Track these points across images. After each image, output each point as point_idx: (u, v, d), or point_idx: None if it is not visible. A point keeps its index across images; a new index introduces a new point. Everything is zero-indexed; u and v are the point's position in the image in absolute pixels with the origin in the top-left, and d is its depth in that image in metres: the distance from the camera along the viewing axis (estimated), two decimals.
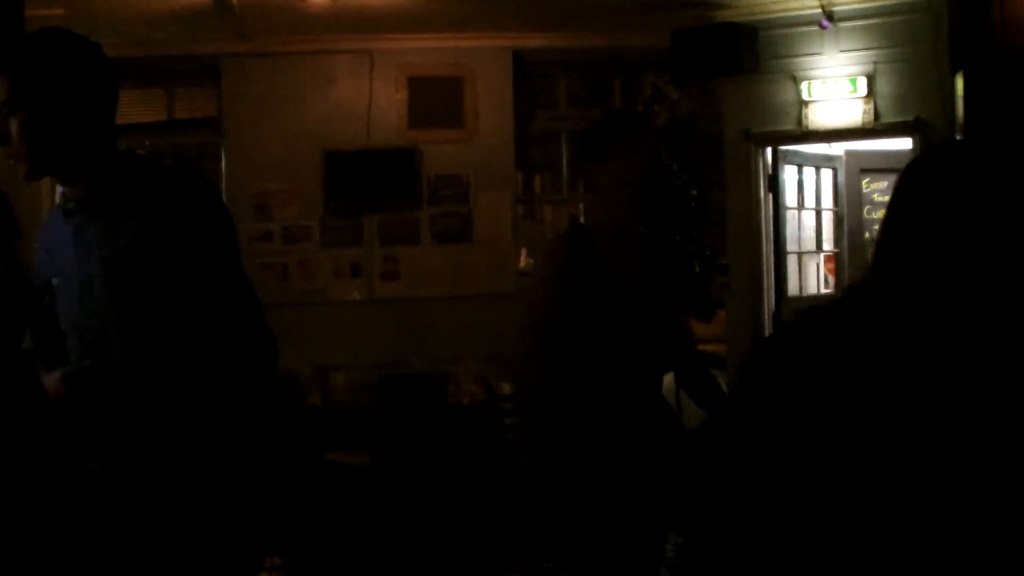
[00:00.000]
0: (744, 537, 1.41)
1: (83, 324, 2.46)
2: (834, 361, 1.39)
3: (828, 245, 8.33)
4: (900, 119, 7.13)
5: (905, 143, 7.51)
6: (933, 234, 1.39)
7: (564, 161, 8.52)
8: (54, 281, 2.51)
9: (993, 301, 1.35)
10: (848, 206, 8.39)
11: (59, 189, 2.62)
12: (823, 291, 8.26)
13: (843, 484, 1.35)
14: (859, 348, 1.39)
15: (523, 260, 9.19)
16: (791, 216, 7.85)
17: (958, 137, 6.19)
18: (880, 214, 8.39)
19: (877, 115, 7.24)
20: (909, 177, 1.48)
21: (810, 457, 1.37)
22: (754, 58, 7.40)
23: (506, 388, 6.95)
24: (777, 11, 7.37)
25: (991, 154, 1.42)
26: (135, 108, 8.20)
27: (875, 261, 1.48)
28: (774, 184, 7.67)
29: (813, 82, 7.37)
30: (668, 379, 3.53)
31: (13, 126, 2.39)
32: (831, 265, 8.46)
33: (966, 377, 1.33)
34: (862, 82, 7.22)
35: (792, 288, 7.84)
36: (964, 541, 1.30)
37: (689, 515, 1.49)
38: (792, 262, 7.88)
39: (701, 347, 4.00)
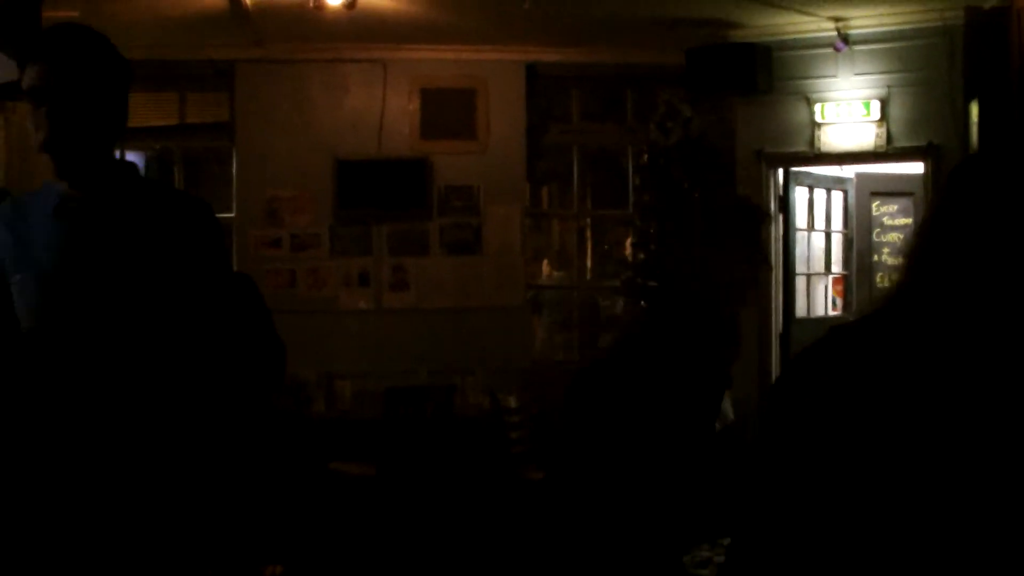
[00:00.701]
0: (786, 546, 1.39)
1: (49, 324, 2.40)
2: (880, 373, 1.36)
3: (837, 267, 8.31)
4: (913, 144, 7.12)
5: (917, 167, 7.50)
6: (985, 244, 1.36)
7: (575, 174, 8.51)
8: (17, 276, 2.43)
9: None
10: (858, 229, 8.38)
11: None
12: (831, 313, 8.24)
13: (882, 497, 1.32)
14: (907, 360, 1.35)
15: (546, 270, 9.20)
16: (801, 237, 7.84)
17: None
18: (889, 237, 8.40)
19: (890, 139, 7.23)
20: (957, 183, 1.43)
21: (846, 471, 1.35)
22: (768, 78, 7.40)
23: (512, 401, 6.94)
24: (792, 32, 7.36)
25: None
26: (147, 111, 8.20)
27: (912, 271, 1.43)
28: (785, 205, 7.66)
29: (826, 104, 7.37)
30: None
31: (41, 115, 2.36)
32: (839, 287, 8.44)
33: (1013, 394, 1.30)
34: (875, 106, 7.22)
35: (800, 309, 7.83)
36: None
37: (737, 523, 1.46)
38: (801, 283, 7.87)
39: None
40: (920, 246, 1.44)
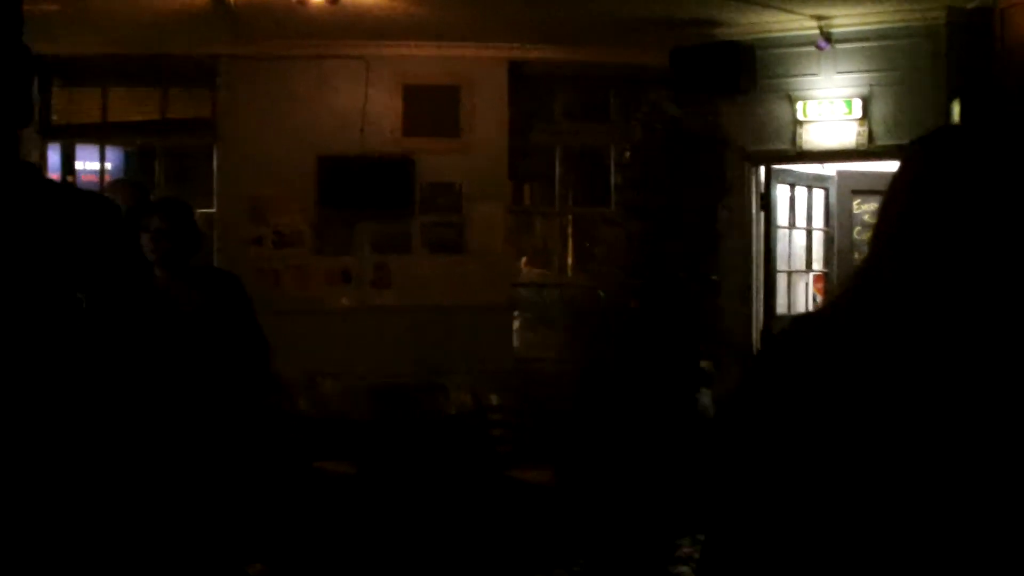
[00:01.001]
0: (758, 538, 1.38)
1: None
2: (843, 361, 1.36)
3: (818, 265, 8.35)
4: (894, 142, 7.14)
5: (897, 166, 7.52)
6: (964, 224, 1.34)
7: (558, 173, 8.51)
8: None
9: None
10: (839, 226, 8.41)
11: None
12: (811, 310, 8.27)
13: (849, 485, 1.32)
14: (872, 345, 1.34)
15: (528, 268, 9.21)
16: (782, 235, 7.86)
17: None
18: (870, 235, 8.42)
19: (871, 137, 7.25)
20: (929, 159, 1.41)
21: (809, 461, 1.34)
22: (751, 77, 7.42)
23: (495, 399, 6.94)
24: (775, 31, 7.38)
25: (1013, 139, 1.37)
26: (128, 106, 8.15)
27: (879, 250, 1.42)
28: (766, 203, 7.68)
29: (809, 103, 7.38)
30: None
31: None
32: (820, 285, 8.47)
33: (986, 376, 1.30)
34: (857, 104, 7.24)
35: (781, 306, 7.86)
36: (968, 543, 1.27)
37: (710, 515, 1.45)
38: (782, 280, 7.90)
39: None
40: (885, 229, 1.42)
